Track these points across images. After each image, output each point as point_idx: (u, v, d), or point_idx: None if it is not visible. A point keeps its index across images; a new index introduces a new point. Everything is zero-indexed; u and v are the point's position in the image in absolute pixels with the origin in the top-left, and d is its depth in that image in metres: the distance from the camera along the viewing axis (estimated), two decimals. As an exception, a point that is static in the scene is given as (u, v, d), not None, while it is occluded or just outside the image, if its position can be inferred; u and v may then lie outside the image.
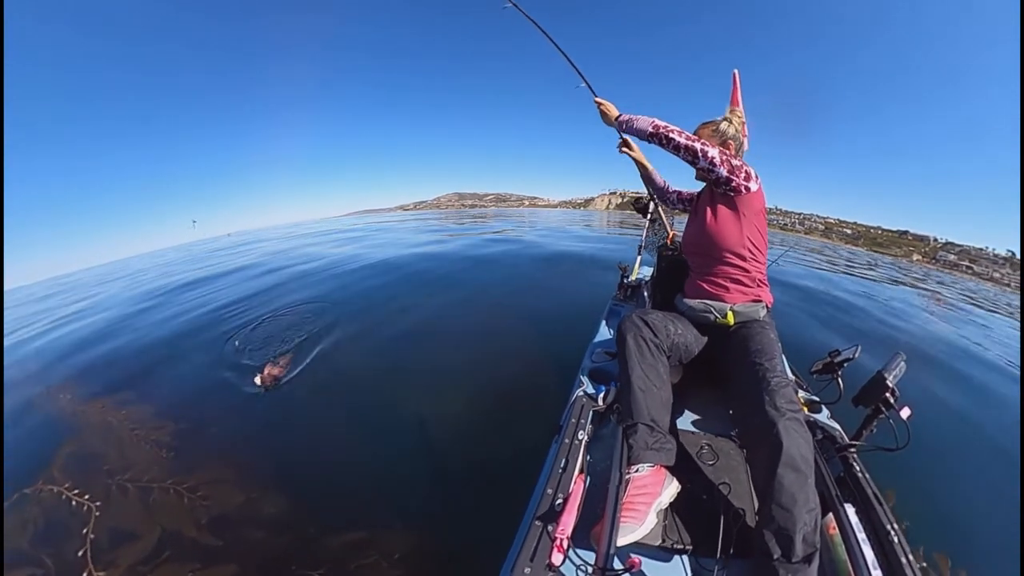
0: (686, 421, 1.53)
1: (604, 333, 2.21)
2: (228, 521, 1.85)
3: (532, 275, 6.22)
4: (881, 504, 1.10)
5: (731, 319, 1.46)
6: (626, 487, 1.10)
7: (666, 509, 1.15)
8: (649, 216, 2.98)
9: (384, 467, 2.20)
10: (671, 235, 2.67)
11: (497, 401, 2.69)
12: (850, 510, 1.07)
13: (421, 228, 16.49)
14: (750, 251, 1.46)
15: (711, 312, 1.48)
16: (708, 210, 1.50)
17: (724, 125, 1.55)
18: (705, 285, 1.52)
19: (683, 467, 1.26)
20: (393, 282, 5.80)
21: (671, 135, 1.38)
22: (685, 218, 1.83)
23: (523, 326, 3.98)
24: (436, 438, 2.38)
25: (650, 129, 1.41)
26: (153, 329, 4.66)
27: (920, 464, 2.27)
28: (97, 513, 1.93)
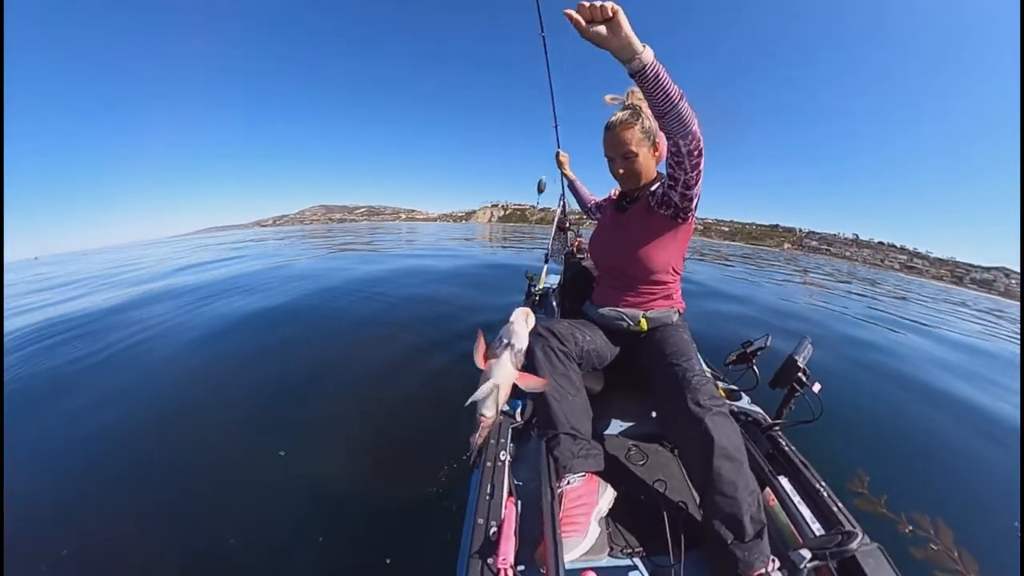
0: (609, 428, 1.52)
1: None
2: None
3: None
4: (808, 469, 1.19)
5: (644, 325, 1.45)
6: (561, 501, 1.07)
7: (607, 517, 1.13)
8: (562, 226, 3.15)
9: (283, 553, 1.63)
10: (576, 243, 2.77)
11: (398, 440, 2.23)
12: (783, 480, 1.16)
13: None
14: (673, 271, 1.45)
15: (624, 320, 1.46)
16: (639, 230, 1.40)
17: (648, 123, 1.30)
18: (618, 295, 1.49)
19: (615, 473, 1.26)
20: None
21: (689, 114, 1.02)
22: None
23: (414, 350, 3.46)
24: (339, 502, 1.83)
25: (676, 93, 0.98)
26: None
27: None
28: None
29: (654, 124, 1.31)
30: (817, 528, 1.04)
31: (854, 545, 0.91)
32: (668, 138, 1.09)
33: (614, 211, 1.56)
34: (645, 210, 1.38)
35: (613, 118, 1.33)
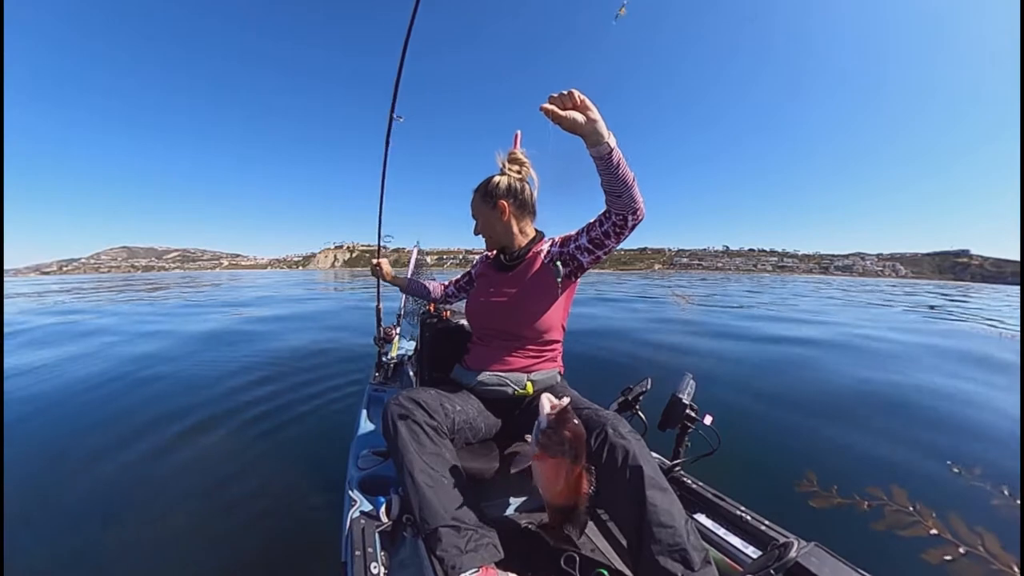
0: (499, 508, 1.35)
1: (366, 426, 1.86)
2: None
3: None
4: (722, 499, 1.20)
5: (530, 389, 1.37)
6: None
7: None
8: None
9: None
10: (432, 304, 2.53)
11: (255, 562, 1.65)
12: (701, 517, 1.18)
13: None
14: (562, 328, 1.43)
15: (508, 385, 1.36)
16: (531, 288, 1.36)
17: (490, 187, 1.37)
18: (501, 358, 1.40)
19: (515, 558, 1.10)
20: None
21: (639, 195, 1.10)
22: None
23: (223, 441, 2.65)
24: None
25: (631, 177, 1.05)
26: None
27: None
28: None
29: (502, 187, 1.36)
30: (752, 551, 1.06)
31: (792, 553, 0.92)
32: (617, 213, 1.12)
33: (495, 273, 1.50)
34: (537, 268, 1.38)
35: None
